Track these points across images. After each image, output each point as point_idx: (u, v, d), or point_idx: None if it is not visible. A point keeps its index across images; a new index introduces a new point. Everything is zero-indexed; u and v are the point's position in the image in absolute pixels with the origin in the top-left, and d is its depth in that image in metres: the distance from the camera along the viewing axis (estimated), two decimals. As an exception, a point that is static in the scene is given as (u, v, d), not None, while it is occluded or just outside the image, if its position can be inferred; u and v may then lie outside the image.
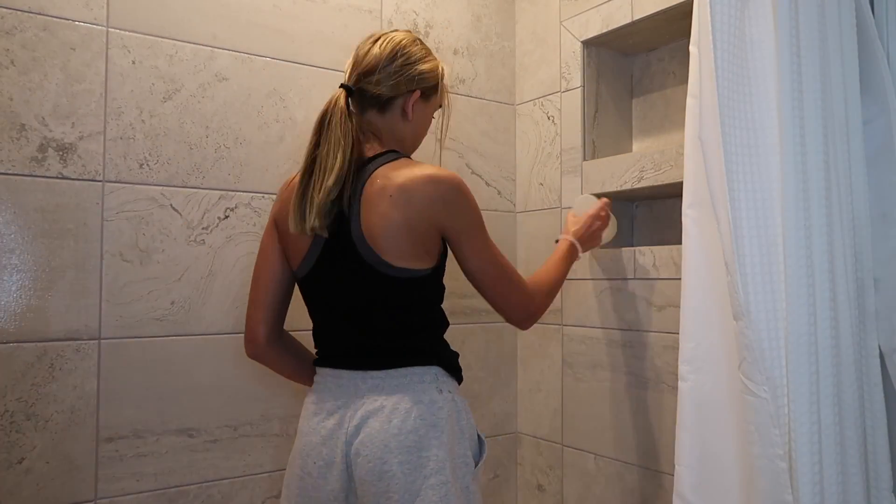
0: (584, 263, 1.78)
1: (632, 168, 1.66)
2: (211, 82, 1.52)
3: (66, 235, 1.36)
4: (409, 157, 1.25)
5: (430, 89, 1.27)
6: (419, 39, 1.28)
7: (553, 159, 1.88)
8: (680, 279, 1.16)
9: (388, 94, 1.22)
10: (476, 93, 1.95)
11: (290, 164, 1.62)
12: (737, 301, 1.03)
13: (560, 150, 1.86)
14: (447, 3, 1.90)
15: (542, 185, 1.92)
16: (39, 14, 1.34)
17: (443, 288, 1.31)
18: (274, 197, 1.59)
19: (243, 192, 1.56)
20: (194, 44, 1.50)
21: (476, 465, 1.22)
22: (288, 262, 1.26)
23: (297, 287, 1.29)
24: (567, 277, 1.81)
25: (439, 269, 1.27)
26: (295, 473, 1.21)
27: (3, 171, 1.30)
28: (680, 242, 1.17)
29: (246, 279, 1.54)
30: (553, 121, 1.89)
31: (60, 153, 1.36)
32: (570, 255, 1.47)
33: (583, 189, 1.78)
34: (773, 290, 1.07)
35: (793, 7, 1.12)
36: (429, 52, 1.28)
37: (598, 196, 1.79)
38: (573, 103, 1.83)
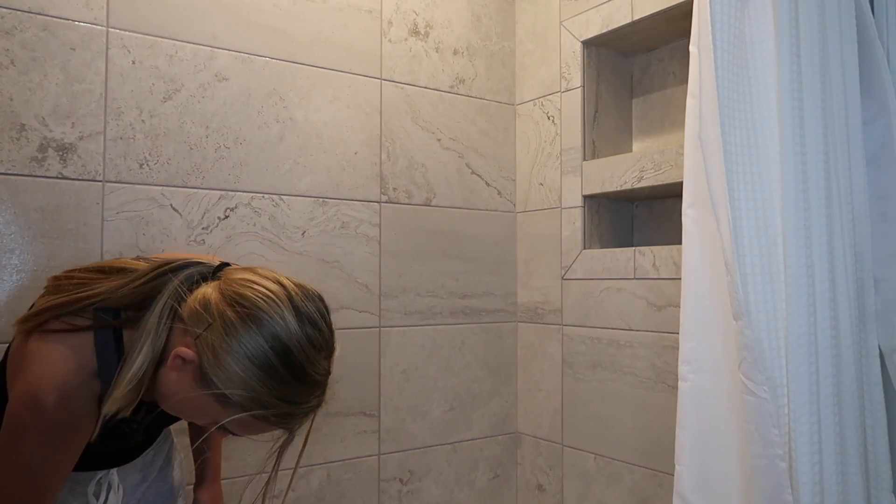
0: (585, 263, 1.78)
1: (632, 168, 1.66)
2: (211, 82, 1.52)
3: (66, 235, 1.36)
4: None
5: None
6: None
7: (553, 159, 1.88)
8: (680, 279, 1.16)
9: None
10: (476, 93, 1.95)
11: (289, 164, 1.62)
12: (737, 301, 1.03)
13: (560, 150, 1.86)
14: (447, 3, 1.90)
15: (542, 185, 1.92)
16: (39, 14, 1.34)
17: None
18: (274, 197, 1.59)
19: (243, 192, 1.56)
20: (194, 44, 1.50)
21: None
22: None
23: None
24: (566, 277, 1.82)
25: None
26: None
27: (3, 171, 1.30)
28: (680, 242, 1.17)
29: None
30: (553, 121, 1.89)
31: (60, 153, 1.36)
32: None
33: (583, 188, 1.78)
34: (773, 290, 1.08)
35: (793, 7, 1.12)
36: None
37: (597, 196, 1.79)
38: (573, 103, 1.83)
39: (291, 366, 0.86)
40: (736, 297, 1.03)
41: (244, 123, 1.56)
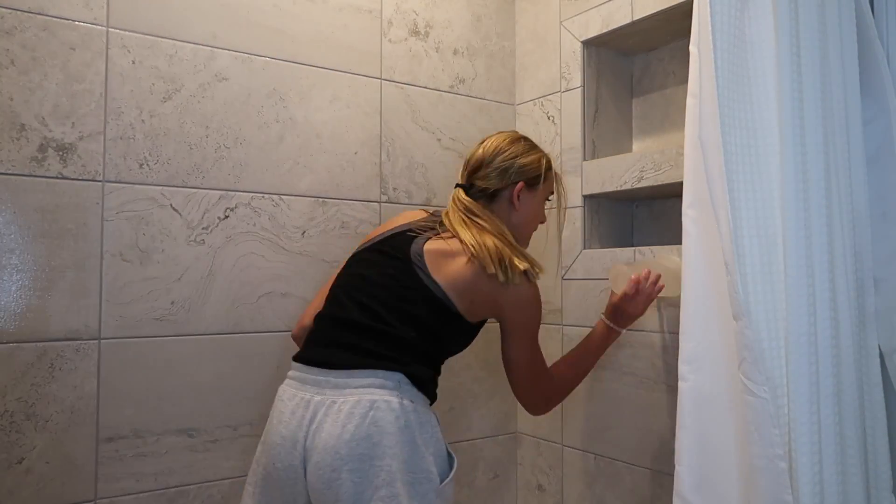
0: (585, 263, 1.78)
1: (632, 168, 1.66)
2: (211, 82, 1.52)
3: (66, 235, 1.36)
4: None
5: (533, 179, 1.38)
6: (523, 137, 1.43)
7: (553, 159, 1.88)
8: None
9: (495, 186, 1.36)
10: (476, 93, 1.95)
11: (289, 163, 1.62)
12: (737, 301, 1.03)
13: (560, 150, 1.86)
14: (447, 3, 1.90)
15: (542, 185, 1.92)
16: (39, 14, 1.34)
17: (456, 349, 1.33)
18: (274, 197, 1.59)
19: (243, 192, 1.56)
20: (194, 44, 1.50)
21: (442, 482, 1.19)
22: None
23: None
24: (566, 277, 1.82)
25: (466, 328, 1.30)
26: (259, 472, 1.22)
27: (3, 171, 1.30)
28: (680, 242, 1.16)
29: (246, 279, 1.55)
30: (553, 121, 1.89)
31: (60, 153, 1.36)
32: (608, 338, 1.47)
33: (583, 188, 1.78)
34: (773, 290, 1.07)
35: (793, 7, 1.12)
36: (532, 147, 1.41)
37: (597, 196, 1.79)
38: (573, 103, 1.83)
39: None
40: (736, 297, 1.03)
41: (244, 123, 1.56)
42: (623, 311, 1.44)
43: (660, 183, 1.59)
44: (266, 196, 1.59)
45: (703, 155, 1.07)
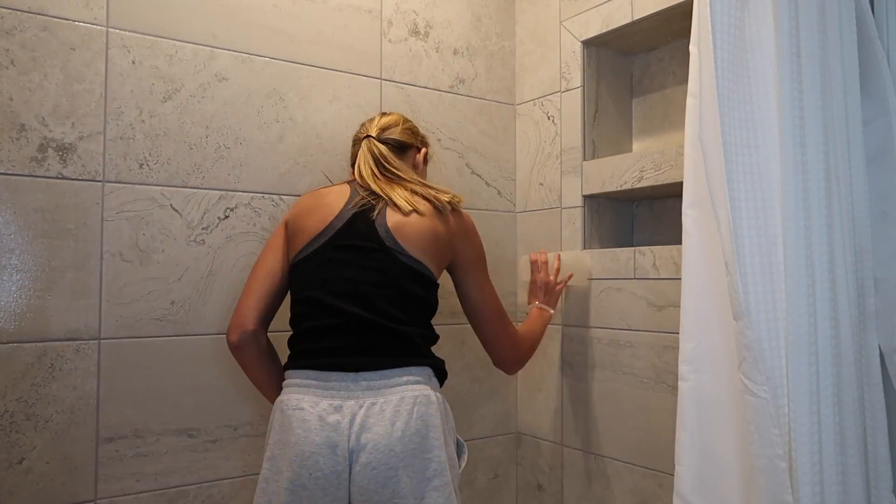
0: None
1: (632, 168, 1.66)
2: (211, 82, 1.52)
3: (66, 235, 1.36)
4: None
5: (426, 155, 1.50)
6: None
7: (553, 159, 1.88)
8: (680, 279, 1.16)
9: (406, 140, 1.44)
10: (476, 93, 1.95)
11: (289, 163, 1.62)
12: (737, 301, 1.03)
13: (560, 150, 1.86)
14: (447, 3, 1.90)
15: (542, 185, 1.92)
16: (39, 14, 1.34)
17: (437, 306, 1.36)
18: (274, 197, 1.59)
19: (243, 192, 1.56)
20: (194, 44, 1.50)
21: (461, 467, 1.26)
22: (290, 258, 1.32)
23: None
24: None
25: (436, 287, 1.34)
26: (283, 487, 1.15)
27: (3, 171, 1.30)
28: (680, 242, 1.16)
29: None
30: (553, 121, 1.89)
31: (60, 153, 1.36)
32: (542, 316, 1.64)
33: (583, 188, 1.78)
34: (773, 290, 1.07)
35: (793, 7, 1.12)
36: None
37: (597, 196, 1.79)
38: (573, 103, 1.83)
39: None
40: (736, 297, 1.03)
41: (244, 123, 1.56)
42: (538, 293, 1.68)
43: (660, 183, 1.59)
44: (266, 196, 1.59)
45: (703, 155, 1.07)
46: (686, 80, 1.18)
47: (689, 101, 1.13)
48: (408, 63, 1.82)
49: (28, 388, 1.32)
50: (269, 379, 1.33)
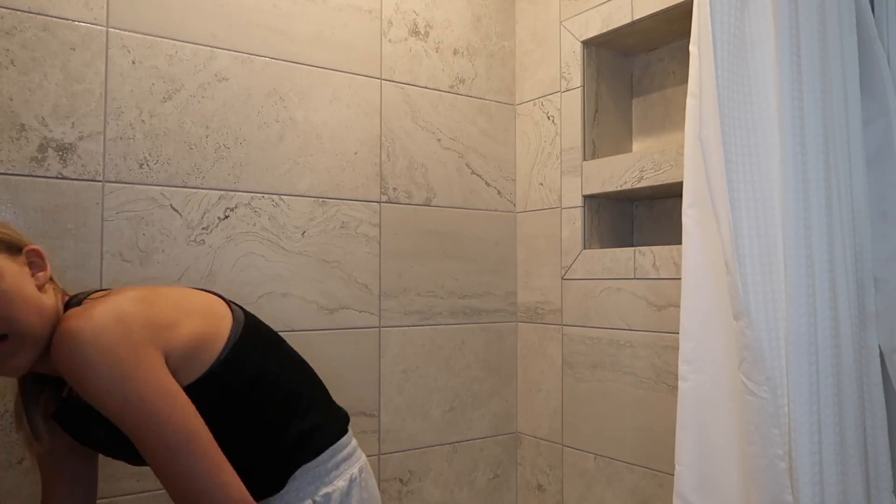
0: (585, 263, 1.78)
1: (632, 168, 1.66)
2: (211, 82, 1.52)
3: (66, 235, 1.36)
4: None
5: None
6: None
7: (553, 159, 1.88)
8: (680, 279, 1.16)
9: None
10: (476, 93, 1.95)
11: (289, 163, 1.62)
12: (737, 301, 1.03)
13: (560, 150, 1.86)
14: (447, 2, 1.90)
15: (542, 185, 1.92)
16: (39, 14, 1.34)
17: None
18: (274, 197, 1.59)
19: (243, 192, 1.56)
20: (194, 44, 1.50)
21: None
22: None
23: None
24: (566, 277, 1.82)
25: None
26: None
27: (3, 171, 1.30)
28: (680, 242, 1.17)
29: (245, 279, 1.54)
30: (553, 121, 1.89)
31: (60, 153, 1.36)
32: None
33: (583, 188, 1.78)
34: (773, 290, 1.08)
35: (793, 7, 1.12)
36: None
37: (597, 196, 1.79)
38: (573, 103, 1.83)
39: None
40: (736, 297, 1.03)
41: (244, 123, 1.56)
42: None
43: (660, 183, 1.59)
44: (266, 196, 1.59)
45: (703, 155, 1.07)
46: (686, 80, 1.18)
47: (689, 101, 1.13)
48: (408, 63, 1.82)
49: (28, 388, 1.32)
50: None
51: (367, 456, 1.71)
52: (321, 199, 1.66)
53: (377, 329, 1.74)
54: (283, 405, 1.06)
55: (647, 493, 1.61)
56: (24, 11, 1.32)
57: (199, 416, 0.92)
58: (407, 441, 1.79)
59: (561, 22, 1.88)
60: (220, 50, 1.53)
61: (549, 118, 1.90)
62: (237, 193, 1.55)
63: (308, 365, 1.19)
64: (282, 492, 1.05)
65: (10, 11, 1.31)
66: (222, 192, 1.53)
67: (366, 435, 1.71)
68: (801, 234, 1.09)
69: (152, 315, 0.94)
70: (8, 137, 1.31)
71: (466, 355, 1.90)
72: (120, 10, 1.42)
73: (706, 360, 1.12)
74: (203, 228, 1.50)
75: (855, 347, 1.14)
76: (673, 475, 1.13)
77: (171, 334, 0.95)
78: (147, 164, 1.44)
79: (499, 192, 1.98)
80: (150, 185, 1.45)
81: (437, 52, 1.87)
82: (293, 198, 1.62)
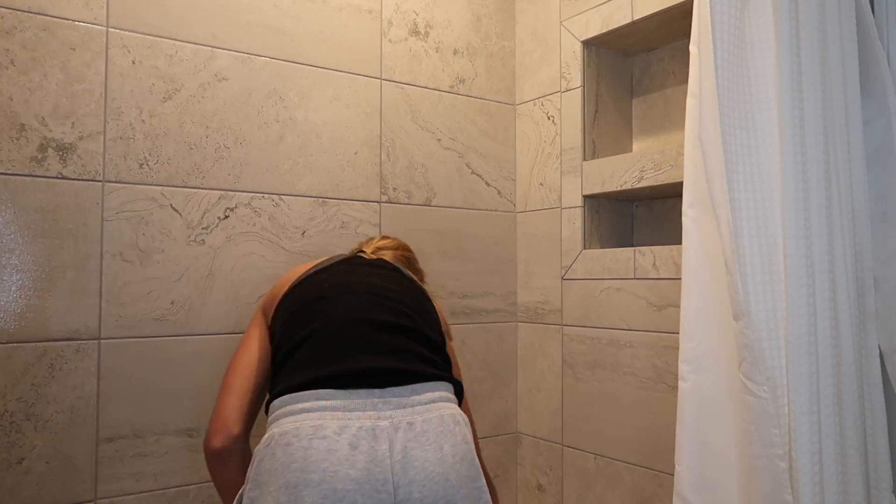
0: (585, 263, 1.78)
1: (632, 168, 1.66)
2: (211, 82, 1.52)
3: (66, 235, 1.36)
4: None
5: None
6: None
7: (553, 159, 1.88)
8: (680, 279, 1.16)
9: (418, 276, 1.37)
10: (476, 93, 1.95)
11: (289, 163, 1.62)
12: (737, 301, 1.03)
13: (560, 150, 1.86)
14: (447, 3, 1.90)
15: (542, 185, 1.92)
16: (39, 14, 1.34)
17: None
18: (274, 197, 1.59)
19: (243, 192, 1.56)
20: (194, 44, 1.50)
21: None
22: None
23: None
24: (566, 277, 1.82)
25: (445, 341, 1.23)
26: None
27: (3, 171, 1.30)
28: (680, 242, 1.16)
29: (246, 279, 1.54)
30: (553, 121, 1.89)
31: (60, 153, 1.36)
32: None
33: (583, 188, 1.78)
34: (773, 290, 1.07)
35: (793, 7, 1.12)
36: None
37: (597, 196, 1.79)
38: (573, 103, 1.83)
39: None
40: (736, 297, 1.03)
41: (244, 123, 1.56)
42: None
43: (660, 183, 1.59)
44: (266, 196, 1.59)
45: (703, 155, 1.07)
46: (686, 80, 1.18)
47: (689, 101, 1.13)
48: (408, 63, 1.82)
49: (28, 388, 1.32)
50: (237, 487, 1.07)
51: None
52: (321, 199, 1.66)
53: (377, 329, 1.74)
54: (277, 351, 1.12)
55: (647, 493, 1.61)
56: (24, 11, 1.32)
57: (248, 350, 1.15)
58: (407, 441, 1.78)
59: (561, 22, 1.88)
60: (220, 50, 1.53)
61: (549, 118, 1.90)
62: (237, 193, 1.55)
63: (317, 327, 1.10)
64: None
65: (10, 11, 1.31)
66: (222, 192, 1.53)
67: (366, 435, 1.71)
68: (801, 234, 1.09)
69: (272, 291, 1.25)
70: (8, 137, 1.31)
71: (466, 355, 1.90)
72: (120, 10, 1.42)
73: (706, 360, 1.12)
74: (203, 228, 1.50)
75: (855, 347, 1.14)
76: (673, 475, 1.13)
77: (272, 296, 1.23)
78: (147, 164, 1.44)
79: (499, 192, 1.98)
80: (150, 185, 1.45)
81: (437, 52, 1.87)
82: (293, 198, 1.62)
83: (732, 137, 1.08)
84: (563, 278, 1.84)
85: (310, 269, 1.20)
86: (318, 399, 0.97)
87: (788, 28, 1.11)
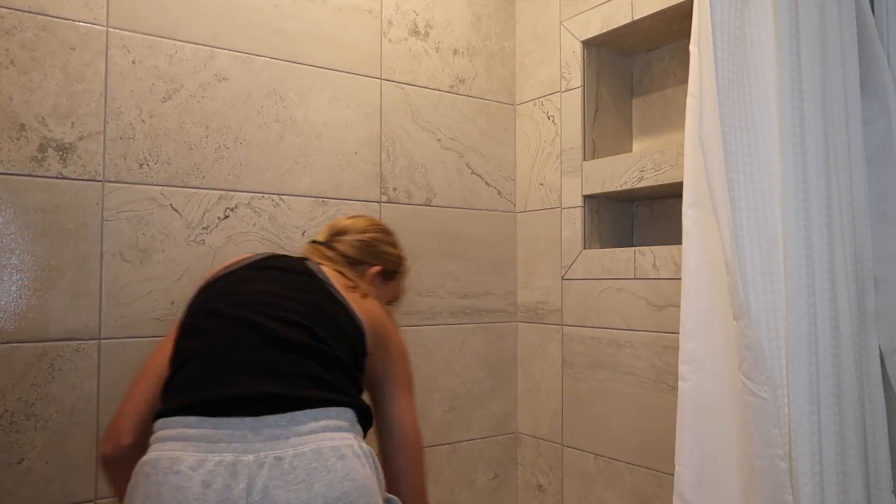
0: (585, 263, 1.78)
1: (632, 168, 1.66)
2: (211, 82, 1.52)
3: (66, 235, 1.36)
4: None
5: (388, 273, 1.34)
6: (392, 232, 1.40)
7: (553, 159, 1.88)
8: (680, 279, 1.16)
9: (354, 255, 1.28)
10: (476, 93, 1.95)
11: (289, 163, 1.62)
12: (737, 301, 1.03)
13: (560, 150, 1.86)
14: (447, 3, 1.90)
15: (542, 185, 1.92)
16: (39, 14, 1.34)
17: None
18: (274, 197, 1.59)
19: (243, 192, 1.56)
20: (194, 44, 1.50)
21: None
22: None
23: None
24: (566, 277, 1.82)
25: (365, 358, 1.11)
26: None
27: (3, 171, 1.30)
28: (680, 242, 1.16)
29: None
30: (553, 121, 1.89)
31: (60, 153, 1.36)
32: None
33: (583, 188, 1.78)
34: (773, 290, 1.07)
35: (793, 7, 1.12)
36: (397, 244, 1.38)
37: (597, 196, 1.79)
38: (573, 103, 1.83)
39: None
40: (736, 297, 1.03)
41: (244, 123, 1.56)
42: None
43: (660, 183, 1.59)
44: (266, 196, 1.59)
45: (703, 155, 1.07)
46: (686, 80, 1.18)
47: (689, 101, 1.13)
48: (408, 63, 1.82)
49: (28, 388, 1.32)
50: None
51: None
52: (321, 199, 1.66)
53: (377, 329, 1.74)
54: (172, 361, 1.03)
55: (647, 493, 1.61)
56: (24, 11, 1.32)
57: (160, 356, 1.06)
58: (407, 441, 1.78)
59: (561, 22, 1.88)
60: (220, 50, 1.53)
61: (549, 118, 1.90)
62: (237, 193, 1.55)
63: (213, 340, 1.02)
64: None
65: (10, 11, 1.31)
66: (222, 192, 1.53)
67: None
68: (801, 234, 1.09)
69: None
70: (8, 137, 1.31)
71: (466, 355, 1.90)
72: (120, 10, 1.42)
73: (706, 360, 1.12)
74: (203, 228, 1.50)
75: (855, 347, 1.14)
76: (673, 475, 1.13)
77: None
78: (147, 164, 1.44)
79: (499, 192, 1.98)
80: (150, 184, 1.45)
81: (437, 52, 1.87)
82: (293, 198, 1.62)
83: (732, 137, 1.07)
84: (563, 278, 1.84)
85: (217, 273, 1.14)
86: (184, 427, 0.90)
87: (788, 28, 1.11)
